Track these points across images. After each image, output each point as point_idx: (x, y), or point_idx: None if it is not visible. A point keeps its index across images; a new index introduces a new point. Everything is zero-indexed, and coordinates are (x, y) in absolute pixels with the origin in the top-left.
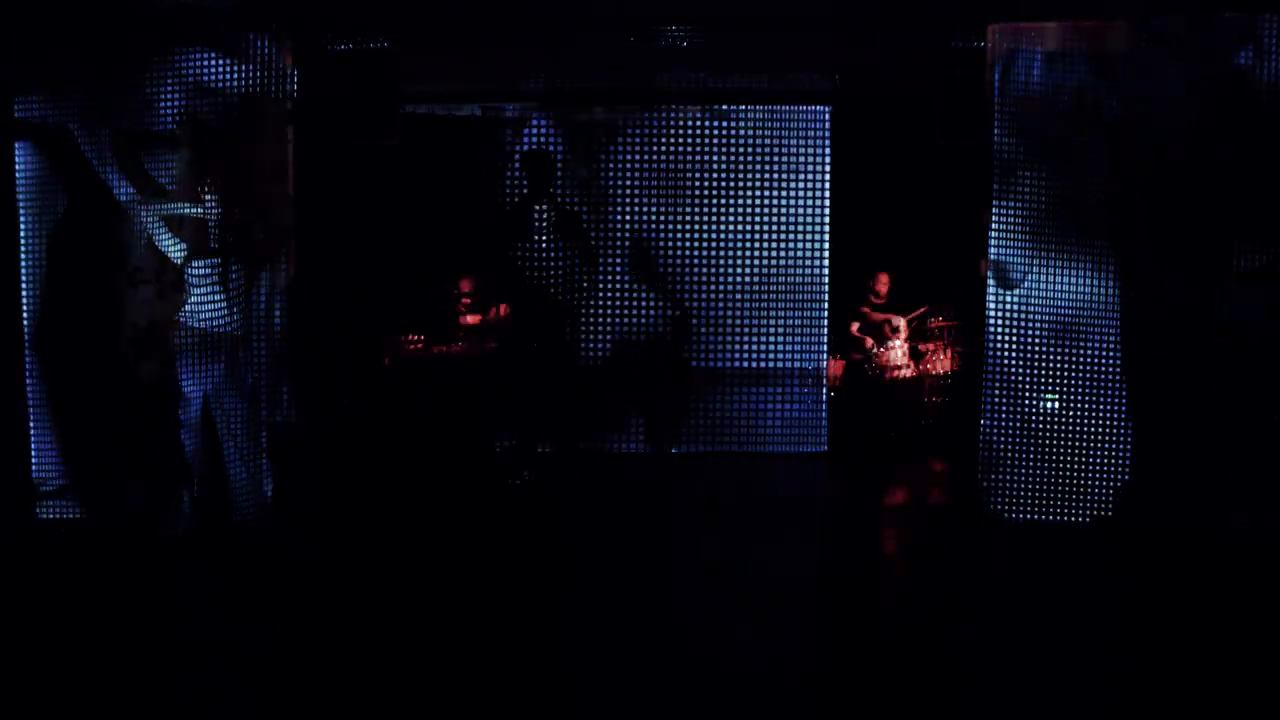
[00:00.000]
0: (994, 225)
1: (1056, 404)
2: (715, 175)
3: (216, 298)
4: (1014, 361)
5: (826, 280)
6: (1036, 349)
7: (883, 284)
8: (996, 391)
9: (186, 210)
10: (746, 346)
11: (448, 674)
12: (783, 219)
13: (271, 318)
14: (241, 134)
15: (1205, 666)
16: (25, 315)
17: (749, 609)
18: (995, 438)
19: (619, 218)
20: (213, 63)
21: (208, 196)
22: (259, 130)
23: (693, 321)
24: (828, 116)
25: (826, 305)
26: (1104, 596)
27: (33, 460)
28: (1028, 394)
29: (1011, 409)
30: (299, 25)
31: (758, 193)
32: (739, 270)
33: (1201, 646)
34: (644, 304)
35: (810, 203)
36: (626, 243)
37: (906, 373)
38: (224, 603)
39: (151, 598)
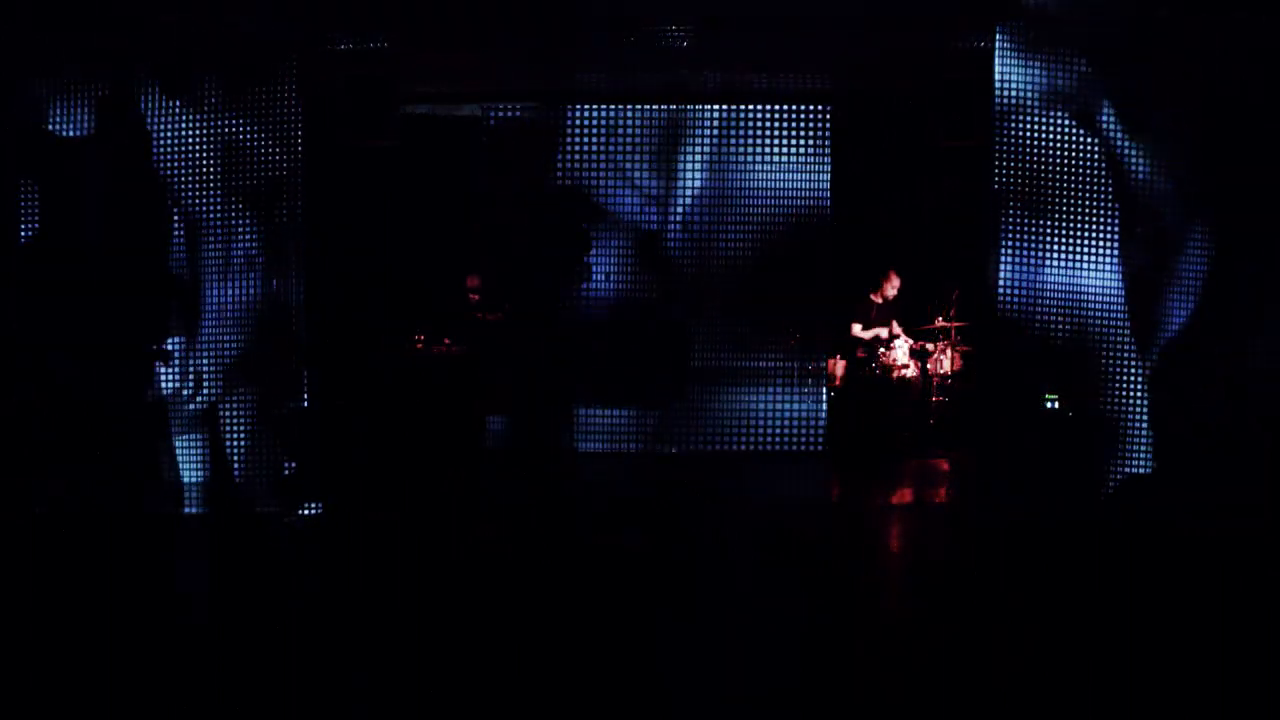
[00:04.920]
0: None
1: (1057, 404)
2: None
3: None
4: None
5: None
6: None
7: (892, 285)
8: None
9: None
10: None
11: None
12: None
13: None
14: None
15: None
16: None
17: (747, 613)
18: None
19: (618, 215)
20: None
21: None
22: None
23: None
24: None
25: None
26: (1102, 596)
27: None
28: (1030, 393)
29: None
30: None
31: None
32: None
33: (1200, 649)
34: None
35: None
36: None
37: (910, 372)
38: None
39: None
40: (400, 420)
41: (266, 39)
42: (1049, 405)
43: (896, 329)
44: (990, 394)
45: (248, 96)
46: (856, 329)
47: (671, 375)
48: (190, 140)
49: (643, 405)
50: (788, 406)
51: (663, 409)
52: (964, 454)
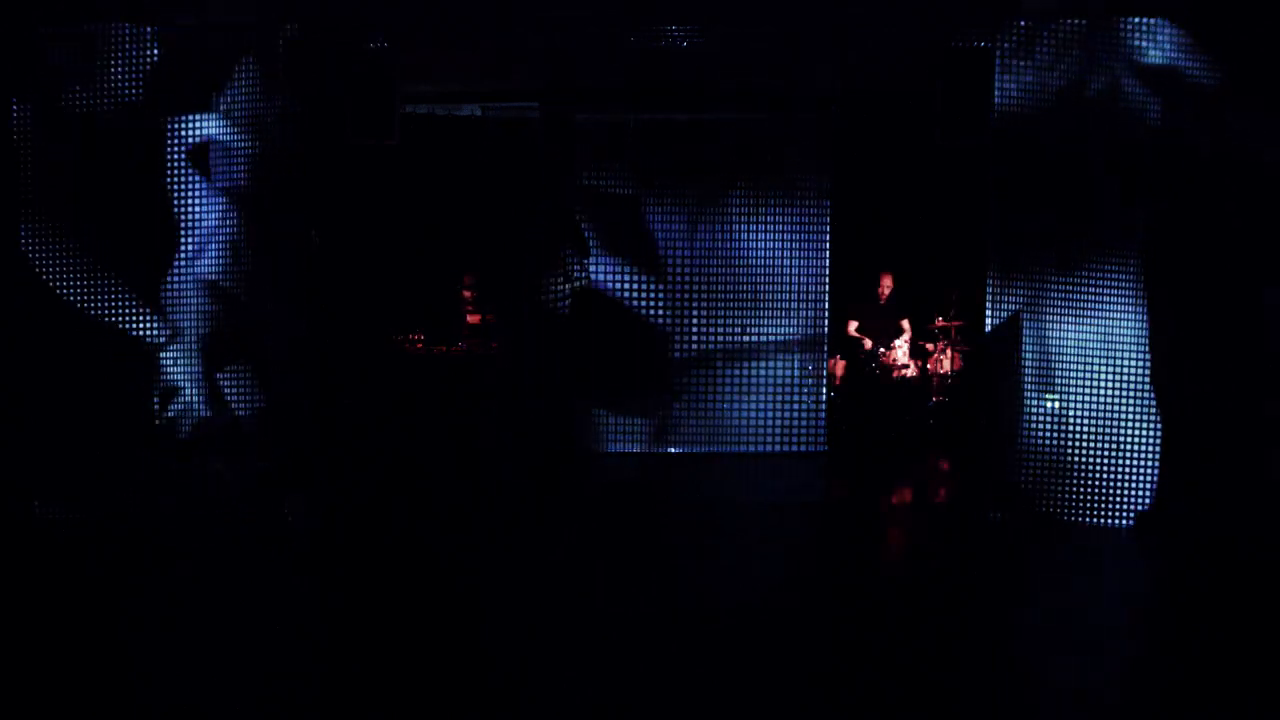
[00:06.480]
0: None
1: (1057, 404)
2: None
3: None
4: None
5: (828, 280)
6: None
7: (885, 286)
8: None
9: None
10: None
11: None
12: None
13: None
14: None
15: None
16: None
17: (751, 610)
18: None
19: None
20: None
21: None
22: None
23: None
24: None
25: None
26: (1107, 595)
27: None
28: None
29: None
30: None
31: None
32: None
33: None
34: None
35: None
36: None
37: (910, 372)
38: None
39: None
40: (400, 420)
41: (264, 37)
42: (1048, 406)
43: (904, 333)
44: (989, 394)
45: (247, 95)
46: (852, 327)
47: (672, 376)
48: (190, 139)
49: (643, 405)
50: (788, 406)
51: (664, 409)
52: (964, 454)
